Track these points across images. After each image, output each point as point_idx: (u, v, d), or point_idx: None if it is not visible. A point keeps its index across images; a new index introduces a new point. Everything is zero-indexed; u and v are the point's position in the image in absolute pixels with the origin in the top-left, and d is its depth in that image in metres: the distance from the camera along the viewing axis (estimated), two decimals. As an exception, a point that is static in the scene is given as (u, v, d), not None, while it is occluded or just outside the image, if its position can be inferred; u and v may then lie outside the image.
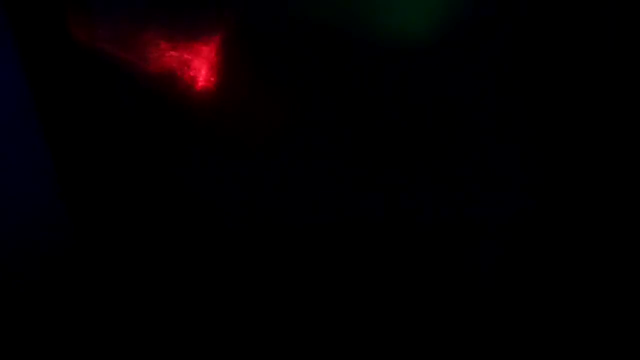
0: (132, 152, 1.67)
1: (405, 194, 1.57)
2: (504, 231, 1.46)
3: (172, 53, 1.56)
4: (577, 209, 1.41)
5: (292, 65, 1.42)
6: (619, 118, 1.41)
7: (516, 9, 1.26)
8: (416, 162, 1.51)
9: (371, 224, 1.62)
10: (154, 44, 1.54)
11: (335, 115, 1.46)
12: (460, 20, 1.25)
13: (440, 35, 1.25)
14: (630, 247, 1.41)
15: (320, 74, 1.42)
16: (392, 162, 1.55)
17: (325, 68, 1.39)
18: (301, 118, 1.45)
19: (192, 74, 1.61)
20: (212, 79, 1.60)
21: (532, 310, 1.50)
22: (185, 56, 1.58)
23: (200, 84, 1.61)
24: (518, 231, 1.46)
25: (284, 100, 1.45)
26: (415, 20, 1.24)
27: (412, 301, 1.60)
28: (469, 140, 1.52)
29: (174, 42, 1.55)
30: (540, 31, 1.26)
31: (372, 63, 1.34)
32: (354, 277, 1.64)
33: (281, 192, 1.65)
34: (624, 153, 1.39)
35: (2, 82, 1.55)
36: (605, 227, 1.45)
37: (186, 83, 1.61)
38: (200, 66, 1.60)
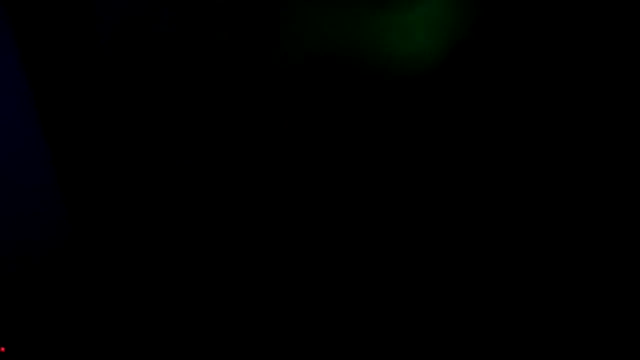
0: (132, 152, 1.67)
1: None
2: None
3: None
4: None
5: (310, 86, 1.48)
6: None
7: (512, 33, 1.33)
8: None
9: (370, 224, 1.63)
10: None
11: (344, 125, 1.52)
12: (461, 45, 1.31)
13: (444, 59, 1.31)
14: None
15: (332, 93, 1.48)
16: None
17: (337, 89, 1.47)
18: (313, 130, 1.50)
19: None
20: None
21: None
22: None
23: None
24: None
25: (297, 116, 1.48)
26: (420, 46, 1.31)
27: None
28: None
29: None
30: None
31: (380, 84, 1.42)
32: (357, 277, 1.65)
33: (283, 193, 1.65)
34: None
35: (2, 83, 1.55)
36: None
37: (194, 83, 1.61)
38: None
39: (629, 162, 1.48)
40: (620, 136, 1.48)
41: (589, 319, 1.52)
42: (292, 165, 1.63)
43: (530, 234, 1.57)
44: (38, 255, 1.64)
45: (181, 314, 1.70)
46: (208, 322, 1.69)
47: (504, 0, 1.34)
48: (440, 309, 1.61)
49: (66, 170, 1.63)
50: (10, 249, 1.62)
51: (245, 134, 1.64)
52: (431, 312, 1.62)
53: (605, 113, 1.48)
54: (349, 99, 1.56)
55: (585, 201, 1.53)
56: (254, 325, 1.68)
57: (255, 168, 1.66)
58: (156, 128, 1.66)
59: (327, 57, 1.46)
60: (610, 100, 1.47)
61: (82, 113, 1.61)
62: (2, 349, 1.63)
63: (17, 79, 1.55)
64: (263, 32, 1.57)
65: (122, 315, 1.69)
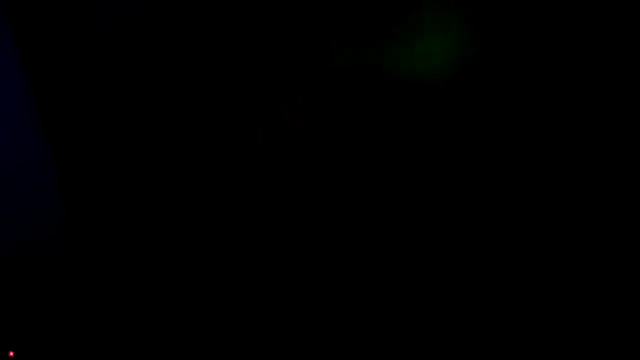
0: (132, 151, 1.67)
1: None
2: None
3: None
4: None
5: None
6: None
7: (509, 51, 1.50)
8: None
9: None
10: None
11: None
12: (466, 60, 1.50)
13: (451, 73, 1.49)
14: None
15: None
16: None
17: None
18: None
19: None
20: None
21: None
22: None
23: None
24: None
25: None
26: (432, 60, 1.53)
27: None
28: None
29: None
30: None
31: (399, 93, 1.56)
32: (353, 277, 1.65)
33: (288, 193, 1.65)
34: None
35: (2, 83, 1.55)
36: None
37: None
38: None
39: (629, 172, 1.49)
40: (617, 151, 1.49)
41: (589, 319, 1.52)
42: (295, 164, 1.63)
43: (533, 235, 1.57)
44: (38, 255, 1.64)
45: (181, 313, 1.69)
46: (208, 322, 1.69)
47: (502, 25, 1.48)
48: (440, 309, 1.61)
49: (66, 170, 1.63)
50: (10, 249, 1.62)
51: (245, 133, 1.64)
52: (431, 312, 1.61)
53: (603, 122, 1.48)
54: (357, 106, 1.57)
55: (584, 204, 1.53)
56: (254, 325, 1.68)
57: (255, 167, 1.66)
58: (156, 128, 1.65)
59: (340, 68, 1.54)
60: (607, 113, 1.47)
61: (82, 113, 1.61)
62: (11, 353, 1.63)
63: (17, 79, 1.55)
64: (263, 33, 1.57)
65: (122, 315, 1.69)
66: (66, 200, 1.64)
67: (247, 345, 1.67)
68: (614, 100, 1.48)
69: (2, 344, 1.63)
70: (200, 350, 1.68)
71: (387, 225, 1.63)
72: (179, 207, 1.69)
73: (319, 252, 1.66)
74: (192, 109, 1.64)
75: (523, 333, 1.56)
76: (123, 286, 1.69)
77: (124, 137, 1.65)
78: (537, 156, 1.55)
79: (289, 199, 1.65)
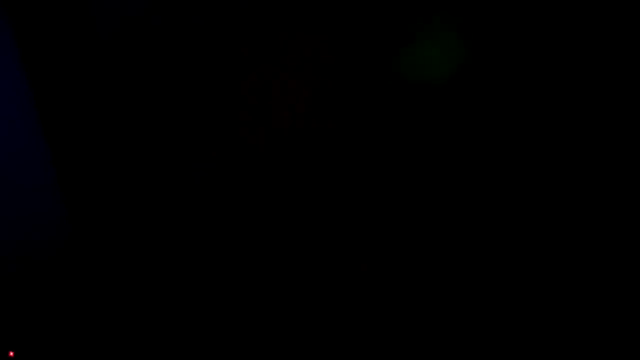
0: (132, 151, 1.67)
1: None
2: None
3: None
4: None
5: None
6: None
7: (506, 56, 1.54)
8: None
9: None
10: None
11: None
12: (465, 64, 1.54)
13: (451, 75, 1.54)
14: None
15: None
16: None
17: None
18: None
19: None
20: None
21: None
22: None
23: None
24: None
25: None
26: (433, 62, 1.56)
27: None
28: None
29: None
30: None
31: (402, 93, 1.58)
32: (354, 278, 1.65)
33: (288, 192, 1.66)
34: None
35: (2, 83, 1.55)
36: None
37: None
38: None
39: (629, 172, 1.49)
40: (615, 152, 1.49)
41: (589, 319, 1.52)
42: (295, 164, 1.63)
43: (535, 234, 1.57)
44: (38, 255, 1.64)
45: (181, 314, 1.69)
46: (208, 321, 1.69)
47: (506, 29, 1.50)
48: (440, 309, 1.61)
49: (66, 170, 1.63)
50: (10, 249, 1.62)
51: (245, 133, 1.64)
52: (431, 312, 1.62)
53: (605, 126, 1.48)
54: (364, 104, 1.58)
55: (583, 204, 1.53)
56: (254, 325, 1.68)
57: (255, 167, 1.66)
58: (156, 128, 1.66)
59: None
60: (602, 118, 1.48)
61: (82, 113, 1.61)
62: (11, 353, 1.63)
63: (17, 79, 1.55)
64: (264, 33, 1.57)
65: (122, 315, 1.69)
66: (66, 200, 1.64)
67: (247, 345, 1.67)
68: (614, 104, 1.48)
69: (2, 344, 1.63)
70: (200, 350, 1.68)
71: (388, 225, 1.63)
72: (178, 207, 1.69)
73: (319, 251, 1.66)
74: (192, 109, 1.64)
75: (523, 333, 1.56)
76: (123, 286, 1.69)
77: (123, 137, 1.65)
78: (542, 157, 1.55)
79: (289, 199, 1.65)
